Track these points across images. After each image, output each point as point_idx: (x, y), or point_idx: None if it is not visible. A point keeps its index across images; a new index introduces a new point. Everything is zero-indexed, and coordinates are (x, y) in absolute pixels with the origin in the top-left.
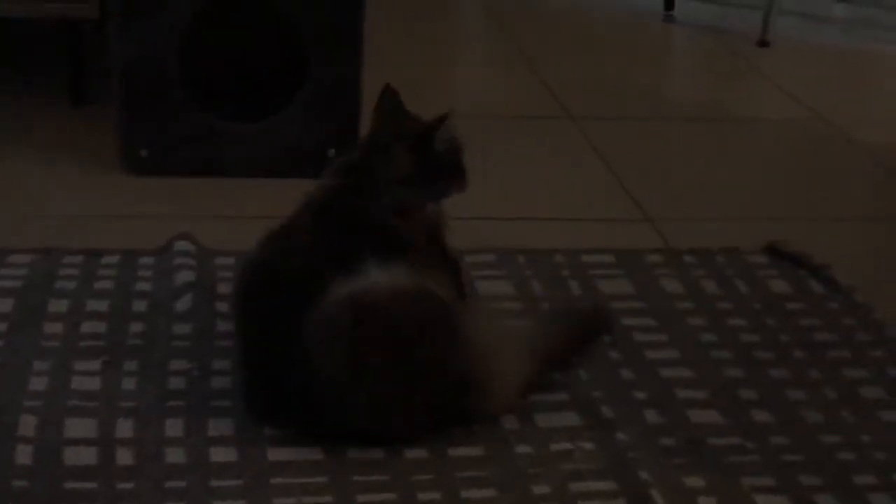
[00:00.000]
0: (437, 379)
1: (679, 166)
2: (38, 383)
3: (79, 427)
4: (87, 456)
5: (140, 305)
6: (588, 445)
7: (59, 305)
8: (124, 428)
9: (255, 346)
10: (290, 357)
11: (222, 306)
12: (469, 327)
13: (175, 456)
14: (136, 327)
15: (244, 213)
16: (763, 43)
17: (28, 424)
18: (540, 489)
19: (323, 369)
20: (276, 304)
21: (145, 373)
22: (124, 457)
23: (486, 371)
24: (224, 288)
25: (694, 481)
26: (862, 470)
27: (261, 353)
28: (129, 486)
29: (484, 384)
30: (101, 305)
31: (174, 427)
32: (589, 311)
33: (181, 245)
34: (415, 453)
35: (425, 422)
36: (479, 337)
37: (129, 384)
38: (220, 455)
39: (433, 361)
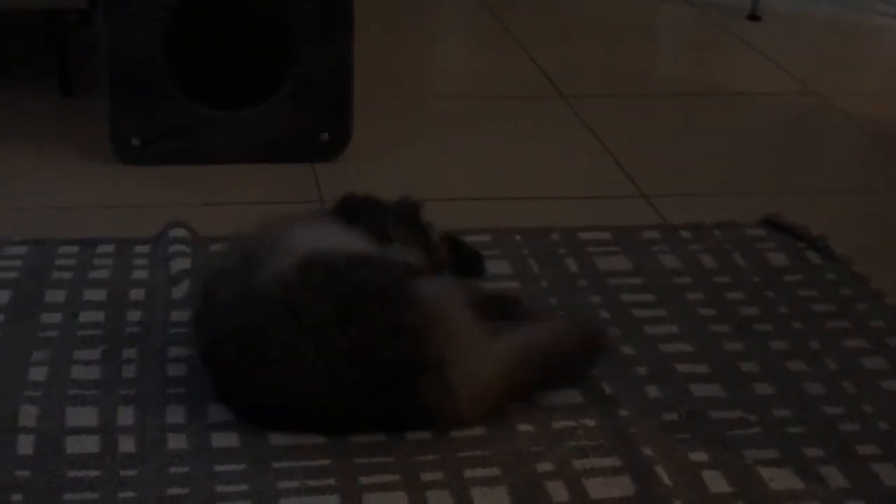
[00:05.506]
0: (384, 345)
1: (672, 142)
2: (37, 373)
3: (80, 416)
4: (89, 444)
5: (137, 294)
6: (590, 422)
7: (56, 296)
8: (125, 416)
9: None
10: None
11: None
12: (431, 303)
13: (177, 442)
14: (134, 315)
15: (237, 200)
16: (753, 17)
17: (29, 415)
18: (543, 467)
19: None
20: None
21: (145, 360)
22: (126, 444)
23: (448, 351)
24: None
25: (697, 456)
26: (865, 440)
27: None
28: (132, 473)
29: (444, 366)
30: (99, 294)
31: (175, 413)
32: (588, 333)
33: (176, 232)
34: (417, 435)
35: (373, 401)
36: (442, 314)
37: (129, 372)
38: (221, 440)
39: (380, 328)
